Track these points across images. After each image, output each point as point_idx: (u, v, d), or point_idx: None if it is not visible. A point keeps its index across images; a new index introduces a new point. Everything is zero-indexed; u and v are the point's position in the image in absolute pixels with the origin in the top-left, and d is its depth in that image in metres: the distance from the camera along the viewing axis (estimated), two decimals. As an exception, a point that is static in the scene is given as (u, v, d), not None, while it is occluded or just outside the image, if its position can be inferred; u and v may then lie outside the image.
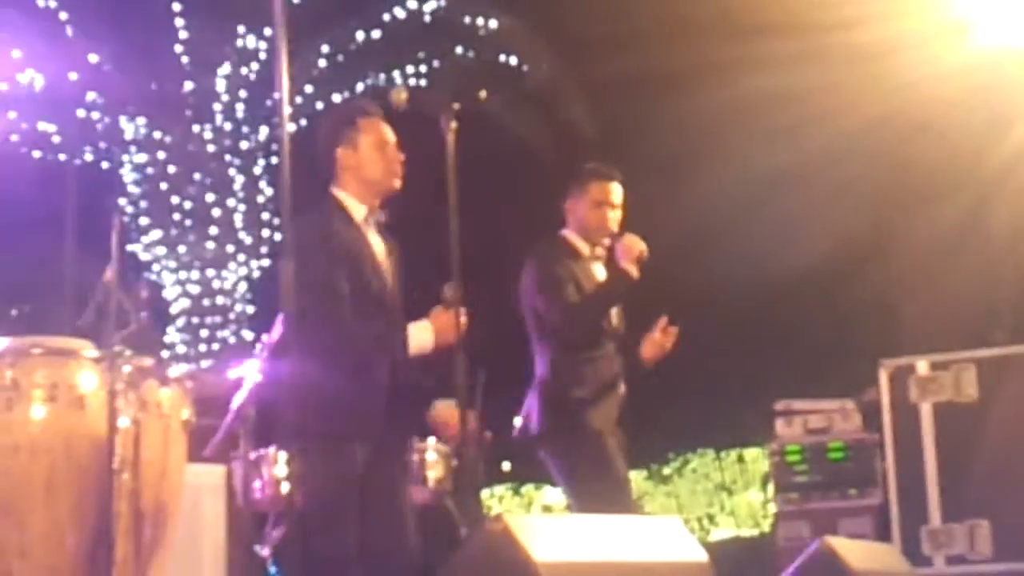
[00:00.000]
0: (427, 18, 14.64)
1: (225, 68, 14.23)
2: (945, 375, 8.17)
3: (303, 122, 14.53)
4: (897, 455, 8.24)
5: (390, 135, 5.24)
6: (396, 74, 14.67)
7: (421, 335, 5.04)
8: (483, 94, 5.69)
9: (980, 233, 8.63)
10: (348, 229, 5.12)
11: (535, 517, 4.34)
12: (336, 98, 14.75)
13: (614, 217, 6.31)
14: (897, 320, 9.44)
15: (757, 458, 13.33)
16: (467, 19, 14.73)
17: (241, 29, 14.15)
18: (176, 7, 13.89)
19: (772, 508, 9.43)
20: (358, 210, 5.19)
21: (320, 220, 5.07)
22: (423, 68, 14.77)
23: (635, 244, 6.16)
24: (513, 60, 14.67)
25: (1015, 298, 8.65)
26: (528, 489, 17.45)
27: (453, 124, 5.07)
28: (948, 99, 9.55)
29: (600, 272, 6.34)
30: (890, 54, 9.54)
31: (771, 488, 9.29)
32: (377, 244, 5.22)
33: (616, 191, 6.35)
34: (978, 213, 8.68)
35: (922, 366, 8.24)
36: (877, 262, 9.30)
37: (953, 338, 8.46)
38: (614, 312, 6.36)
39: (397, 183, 5.21)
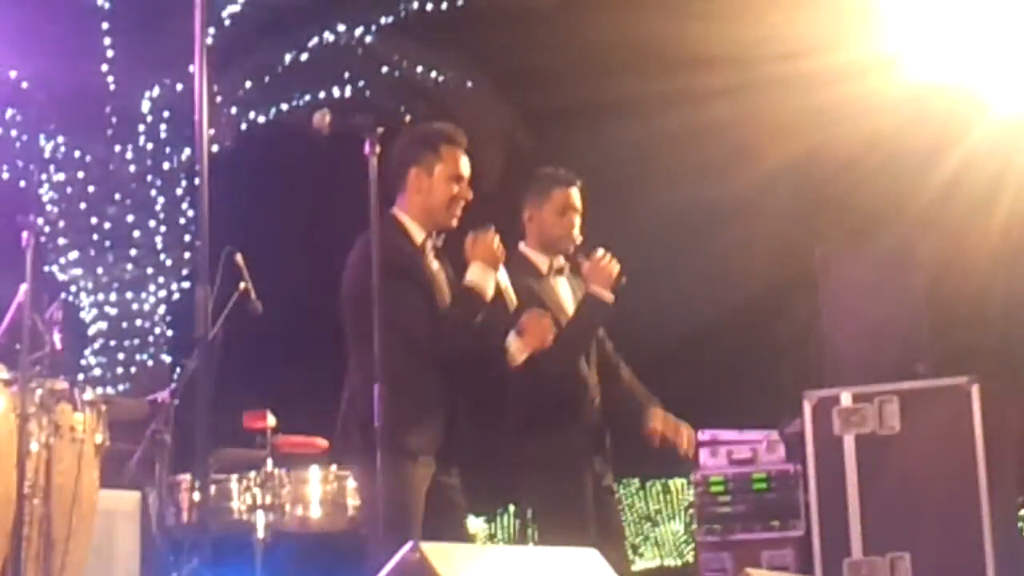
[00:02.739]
0: (356, 46, 14.58)
1: (155, 91, 14.09)
2: (868, 407, 8.18)
3: (227, 143, 14.41)
4: (820, 487, 8.24)
5: (466, 169, 5.22)
6: (321, 95, 14.58)
7: (513, 348, 5.12)
8: (408, 118, 5.62)
9: (906, 267, 8.66)
10: (411, 251, 5.10)
11: (451, 546, 4.26)
12: (260, 120, 14.67)
13: (577, 223, 6.05)
14: (822, 352, 9.47)
15: (682, 488, 13.36)
16: (395, 56, 14.70)
17: (169, 52, 14.00)
18: (104, 26, 13.72)
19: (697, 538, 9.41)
20: (418, 234, 5.17)
21: (389, 236, 4.99)
22: (348, 89, 14.69)
23: (607, 266, 5.86)
24: (439, 77, 14.63)
25: (938, 332, 8.69)
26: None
27: (377, 147, 4.99)
28: (877, 134, 9.62)
29: (562, 286, 6.06)
30: (819, 88, 9.60)
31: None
32: (436, 268, 5.21)
33: (578, 196, 6.09)
34: (904, 247, 8.72)
35: (845, 398, 8.25)
36: (803, 294, 9.33)
37: (876, 370, 8.47)
38: None
39: (454, 221, 5.21)
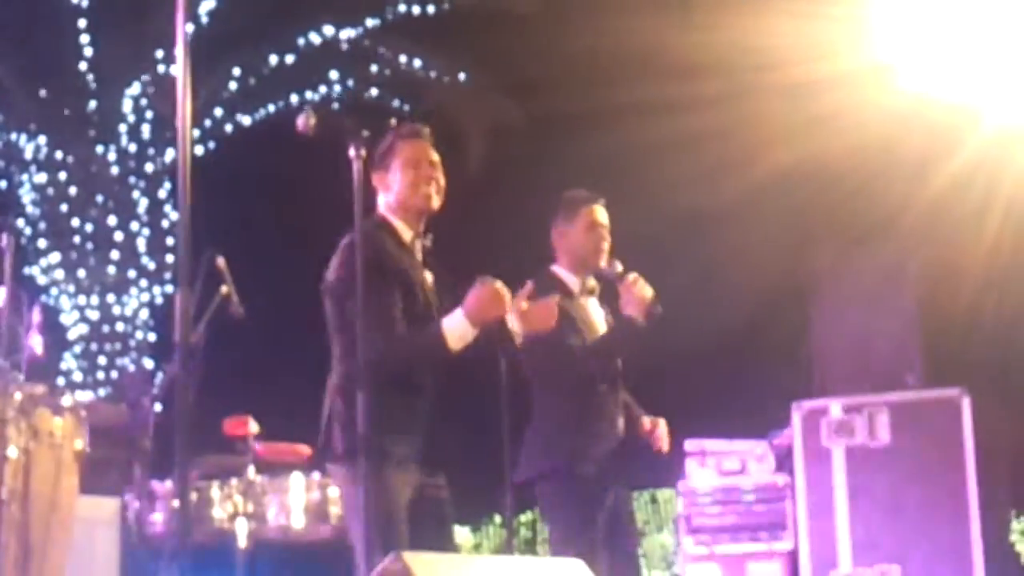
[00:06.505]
0: (343, 45, 14.53)
1: (134, 88, 13.98)
2: (858, 418, 8.15)
3: (211, 144, 14.32)
4: (808, 498, 8.20)
5: (423, 154, 5.12)
6: (308, 96, 14.51)
7: (454, 323, 4.83)
8: (392, 121, 5.54)
9: (898, 278, 8.65)
10: (399, 250, 5.02)
11: (434, 556, 4.20)
12: (246, 121, 14.58)
13: (606, 238, 6.20)
14: (812, 362, 9.45)
15: (670, 499, 13.28)
16: (383, 52, 14.66)
17: (150, 50, 13.92)
18: (82, 23, 13.61)
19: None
20: (406, 233, 5.10)
21: (372, 236, 4.89)
22: (336, 89, 14.64)
23: (644, 292, 6.01)
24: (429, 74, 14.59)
25: (929, 343, 8.67)
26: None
27: (362, 151, 4.90)
28: (869, 144, 9.60)
29: (592, 307, 6.21)
30: (811, 98, 9.59)
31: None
32: (424, 269, 5.12)
33: (603, 213, 6.25)
34: (897, 258, 8.71)
35: (835, 409, 8.21)
36: (794, 304, 9.32)
37: (867, 381, 8.44)
38: None
39: (429, 202, 5.09)
